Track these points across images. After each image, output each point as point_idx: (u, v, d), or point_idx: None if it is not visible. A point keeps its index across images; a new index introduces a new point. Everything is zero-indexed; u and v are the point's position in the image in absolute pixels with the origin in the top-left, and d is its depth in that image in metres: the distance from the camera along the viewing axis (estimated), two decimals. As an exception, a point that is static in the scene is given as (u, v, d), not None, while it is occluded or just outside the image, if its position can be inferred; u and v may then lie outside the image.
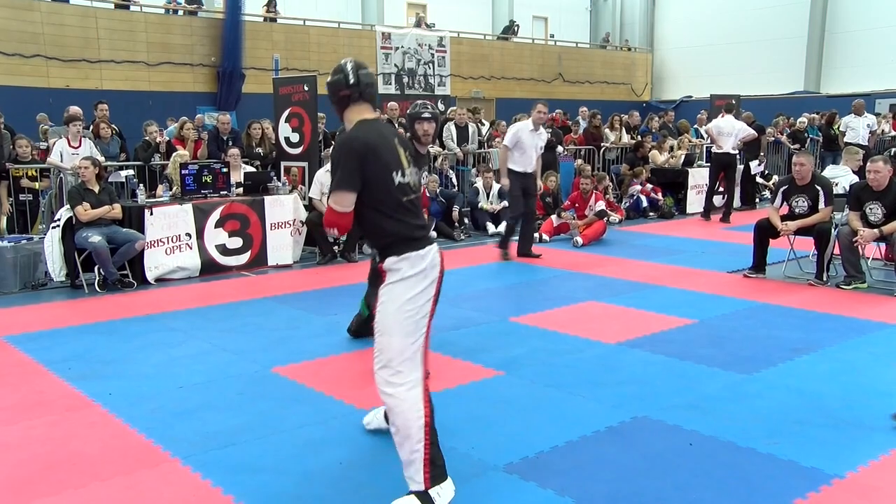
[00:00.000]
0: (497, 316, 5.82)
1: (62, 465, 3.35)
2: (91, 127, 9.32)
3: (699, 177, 11.73)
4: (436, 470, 2.79)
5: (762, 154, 12.15)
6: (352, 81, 2.96)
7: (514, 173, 8.02)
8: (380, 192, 2.82)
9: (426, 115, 4.48)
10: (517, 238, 8.26)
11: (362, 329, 5.05)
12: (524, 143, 7.97)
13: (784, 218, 6.92)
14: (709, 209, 11.23)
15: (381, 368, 2.80)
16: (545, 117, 8.30)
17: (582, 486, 3.07)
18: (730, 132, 10.82)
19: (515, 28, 22.12)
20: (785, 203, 6.97)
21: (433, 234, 8.49)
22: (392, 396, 2.76)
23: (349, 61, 3.03)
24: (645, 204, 11.43)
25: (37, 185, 8.39)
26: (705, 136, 12.36)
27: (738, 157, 11.22)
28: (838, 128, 14.05)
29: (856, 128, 13.43)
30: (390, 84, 18.53)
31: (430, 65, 19.35)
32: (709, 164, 11.48)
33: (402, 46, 18.77)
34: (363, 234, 3.03)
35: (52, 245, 6.88)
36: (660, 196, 11.64)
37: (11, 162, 8.21)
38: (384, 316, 2.81)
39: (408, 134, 4.54)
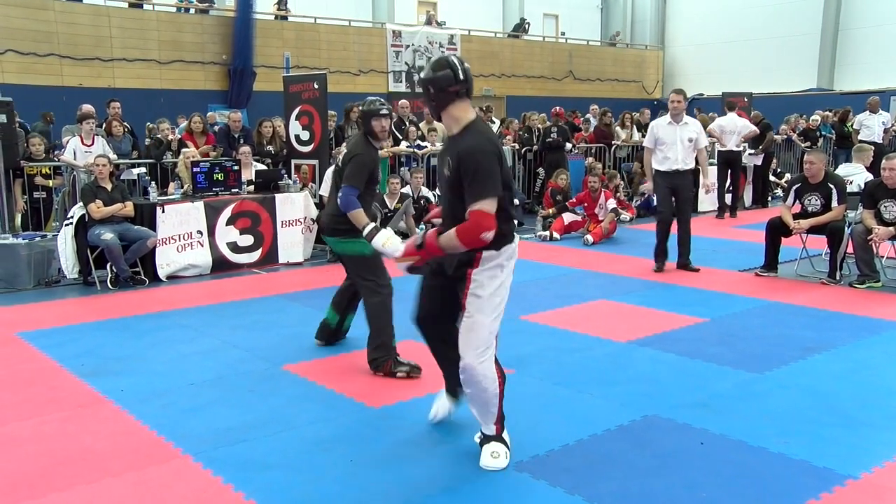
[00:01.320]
0: (507, 314, 5.75)
1: (74, 460, 3.37)
2: (104, 125, 9.39)
3: (710, 175, 11.63)
4: (503, 421, 3.26)
5: (759, 150, 12.01)
6: (461, 77, 2.95)
7: (658, 174, 7.38)
8: (505, 192, 2.94)
9: (383, 111, 4.46)
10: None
11: (330, 337, 5.01)
12: (664, 140, 7.32)
13: (797, 216, 6.87)
14: (722, 208, 11.17)
15: (471, 349, 3.03)
16: (681, 106, 7.41)
17: (592, 485, 3.06)
18: (732, 130, 10.84)
19: (526, 26, 22.06)
20: (797, 201, 6.92)
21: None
22: (478, 368, 3.03)
23: (452, 56, 3.07)
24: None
25: (50, 182, 8.45)
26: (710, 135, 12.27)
27: (742, 153, 11.13)
28: (851, 125, 13.90)
29: (871, 125, 13.25)
30: (401, 82, 18.54)
31: (441, 62, 19.31)
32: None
33: (413, 44, 18.78)
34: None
35: (65, 242, 6.94)
36: (671, 194, 11.56)
37: (25, 160, 8.28)
38: (479, 301, 3.01)
39: (362, 131, 4.50)
